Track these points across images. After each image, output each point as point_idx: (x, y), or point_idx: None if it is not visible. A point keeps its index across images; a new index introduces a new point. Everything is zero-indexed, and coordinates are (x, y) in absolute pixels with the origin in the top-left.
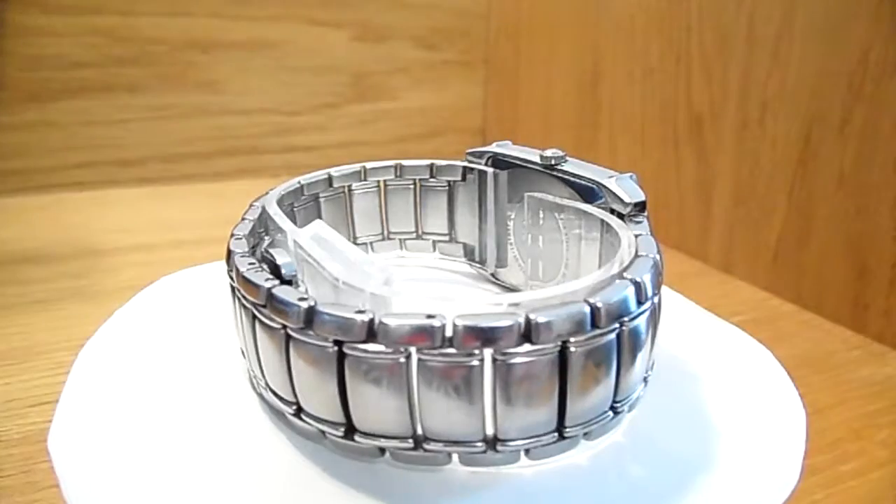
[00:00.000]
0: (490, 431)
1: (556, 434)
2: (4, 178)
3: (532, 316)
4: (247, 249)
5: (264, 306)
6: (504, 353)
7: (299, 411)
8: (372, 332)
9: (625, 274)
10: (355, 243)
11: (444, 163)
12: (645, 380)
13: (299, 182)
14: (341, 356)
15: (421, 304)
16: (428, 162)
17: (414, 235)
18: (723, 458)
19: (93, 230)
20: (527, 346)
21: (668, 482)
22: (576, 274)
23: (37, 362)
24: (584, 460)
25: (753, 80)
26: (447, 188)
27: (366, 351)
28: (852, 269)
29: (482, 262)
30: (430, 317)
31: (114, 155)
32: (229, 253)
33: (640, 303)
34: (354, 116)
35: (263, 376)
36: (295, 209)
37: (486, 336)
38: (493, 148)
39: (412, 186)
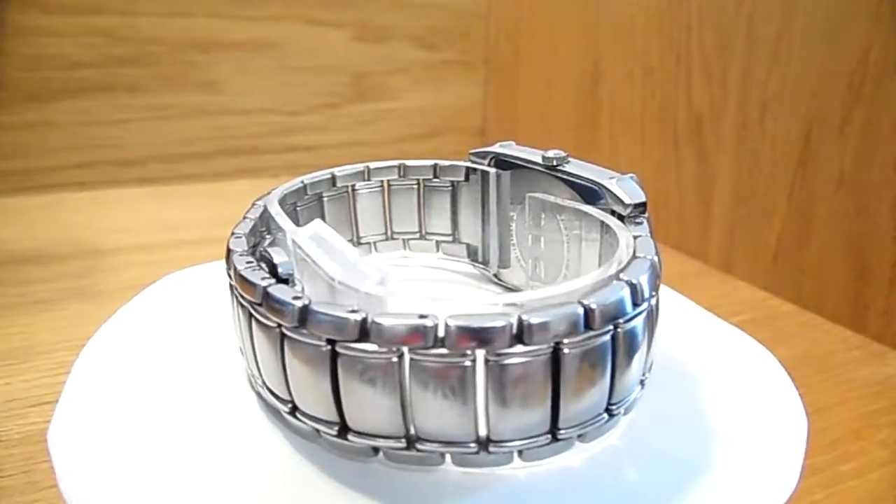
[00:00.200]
0: (483, 432)
1: (549, 436)
2: (4, 178)
3: (525, 317)
4: (246, 248)
5: (260, 305)
6: (497, 354)
7: (294, 410)
8: (365, 331)
9: (621, 275)
10: (359, 243)
11: (447, 163)
12: (642, 382)
13: (302, 181)
14: (334, 355)
15: (415, 304)
16: (431, 162)
17: (417, 235)
18: (722, 459)
19: (93, 230)
20: (520, 347)
21: (665, 485)
22: (576, 275)
23: (37, 362)
24: (578, 462)
25: (753, 80)
26: (451, 188)
27: (359, 350)
28: (852, 269)
29: (485, 262)
30: (422, 317)
31: (114, 155)
32: (228, 251)
33: (635, 304)
34: (354, 116)
35: (260, 374)
36: (298, 208)
37: (479, 336)
38: (496, 148)
39: (416, 186)
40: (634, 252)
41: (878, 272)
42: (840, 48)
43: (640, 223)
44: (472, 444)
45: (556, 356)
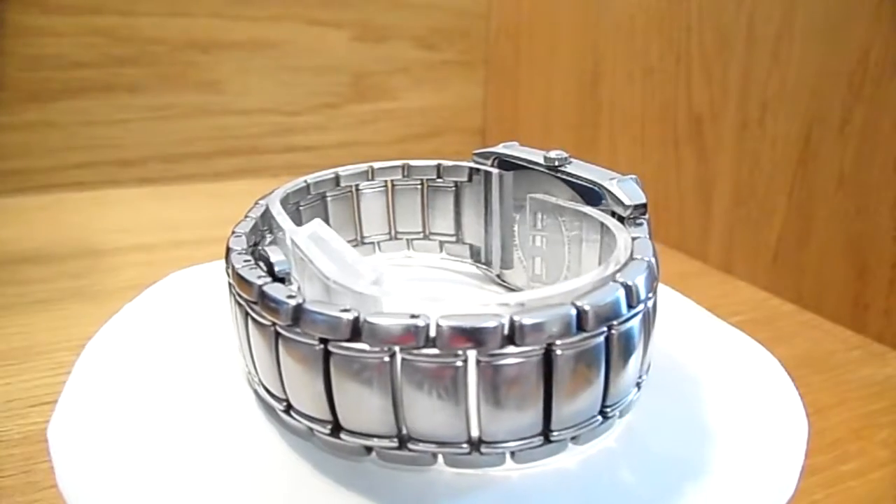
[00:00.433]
0: (475, 433)
1: (542, 437)
2: (4, 178)
3: (517, 317)
4: (245, 247)
5: (256, 303)
6: (488, 355)
7: (289, 408)
8: (357, 330)
9: (617, 276)
10: (363, 243)
11: (450, 163)
12: (638, 384)
13: (306, 181)
14: (327, 354)
15: (409, 304)
16: (435, 162)
17: (421, 236)
18: (722, 460)
19: (93, 230)
20: (512, 348)
21: (662, 486)
22: (577, 276)
23: (37, 362)
24: (573, 464)
25: (753, 80)
26: (454, 189)
27: (351, 350)
28: (852, 269)
29: (488, 263)
30: (414, 317)
31: (114, 155)
32: (228, 250)
33: (630, 306)
34: (354, 116)
35: (257, 373)
36: (301, 208)
37: (470, 337)
38: (499, 149)
39: (419, 187)
40: (632, 253)
41: (878, 272)
42: (840, 48)
43: (640, 224)
44: (464, 445)
45: (548, 357)
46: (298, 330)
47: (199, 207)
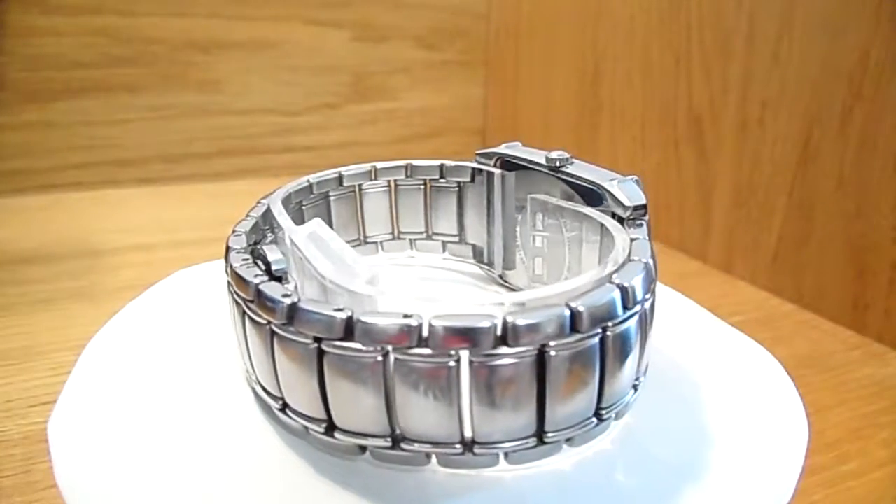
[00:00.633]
0: (468, 433)
1: (535, 438)
2: (4, 178)
3: (510, 318)
4: (244, 245)
5: (252, 302)
6: (482, 355)
7: (285, 407)
8: (350, 330)
9: (613, 277)
10: (366, 242)
11: (453, 163)
12: (635, 386)
13: (308, 180)
14: (321, 353)
15: (404, 304)
16: (438, 162)
17: (424, 236)
18: (722, 460)
19: (93, 230)
20: (505, 349)
21: (660, 488)
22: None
23: (37, 362)
24: (568, 467)
25: (753, 79)
26: (457, 189)
27: (344, 349)
28: (852, 269)
29: (490, 263)
30: (406, 316)
31: (113, 155)
32: (227, 249)
33: (626, 307)
34: (354, 116)
35: (254, 371)
36: (304, 207)
37: (463, 337)
38: (502, 149)
39: (422, 187)
40: (629, 254)
41: (878, 272)
42: (840, 48)
43: (640, 226)
44: (458, 445)
45: (541, 358)
46: (293, 329)
47: (198, 207)
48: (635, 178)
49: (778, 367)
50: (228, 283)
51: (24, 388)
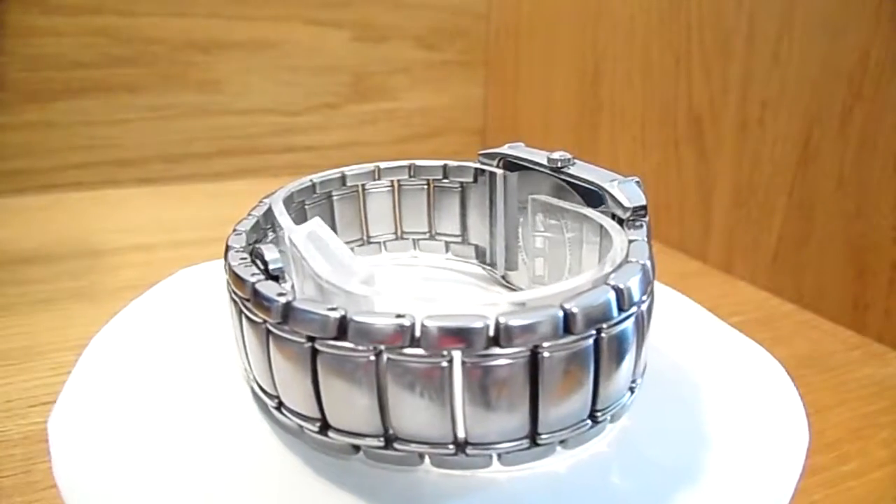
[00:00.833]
0: (461, 434)
1: (528, 440)
2: (4, 178)
3: (503, 319)
4: (244, 244)
5: (249, 300)
6: (474, 356)
7: (280, 405)
8: (343, 329)
9: (609, 279)
10: (369, 242)
11: (456, 164)
12: (632, 388)
13: (311, 180)
14: (314, 352)
15: (400, 304)
16: (441, 162)
17: (427, 236)
18: (721, 460)
19: (93, 230)
20: (497, 349)
21: (655, 492)
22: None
23: (37, 362)
24: (563, 469)
25: (753, 79)
26: (460, 189)
27: (337, 348)
28: (852, 269)
29: (493, 264)
30: (399, 316)
31: (113, 155)
32: (227, 248)
33: (622, 309)
34: (354, 116)
35: (251, 370)
36: (307, 207)
37: (455, 337)
38: (505, 149)
39: (426, 187)
40: (627, 256)
41: (878, 272)
42: (840, 48)
43: (640, 227)
44: (450, 446)
45: (535, 359)
46: (288, 328)
47: (198, 207)
48: (636, 179)
49: (778, 367)
50: (227, 281)
51: (24, 388)
